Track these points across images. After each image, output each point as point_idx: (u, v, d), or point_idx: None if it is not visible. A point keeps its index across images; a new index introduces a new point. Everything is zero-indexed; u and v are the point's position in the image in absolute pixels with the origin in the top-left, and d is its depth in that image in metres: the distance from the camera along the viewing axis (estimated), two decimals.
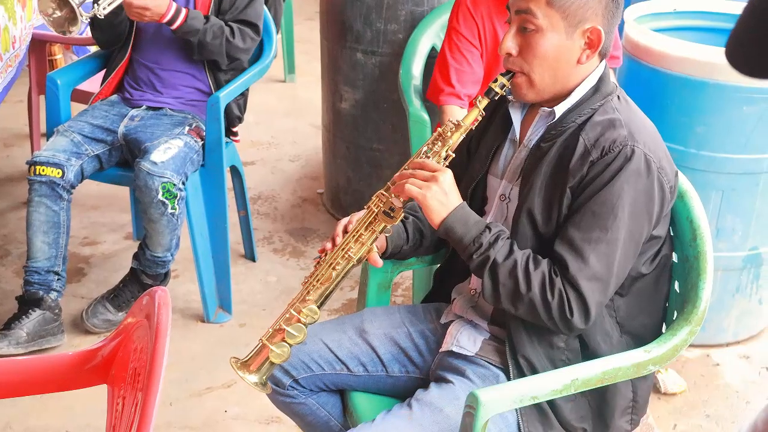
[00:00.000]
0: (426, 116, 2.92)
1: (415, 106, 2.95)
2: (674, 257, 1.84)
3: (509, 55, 1.74)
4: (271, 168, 4.21)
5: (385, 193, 1.76)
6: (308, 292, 1.76)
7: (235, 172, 3.26)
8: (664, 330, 1.83)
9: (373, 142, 3.51)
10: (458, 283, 2.00)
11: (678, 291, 1.82)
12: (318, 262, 1.81)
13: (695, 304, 1.75)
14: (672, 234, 1.84)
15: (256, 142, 4.37)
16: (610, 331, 1.76)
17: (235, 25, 2.95)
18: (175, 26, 2.86)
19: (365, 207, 1.79)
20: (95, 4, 2.65)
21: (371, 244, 1.76)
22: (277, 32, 4.69)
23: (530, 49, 1.72)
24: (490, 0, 2.82)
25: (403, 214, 1.75)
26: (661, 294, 1.83)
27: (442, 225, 1.70)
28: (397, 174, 1.76)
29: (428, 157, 1.77)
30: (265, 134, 4.49)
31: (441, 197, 1.69)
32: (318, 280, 1.77)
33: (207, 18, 2.91)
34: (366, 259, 1.79)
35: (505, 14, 2.77)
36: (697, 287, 1.76)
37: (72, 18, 2.63)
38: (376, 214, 1.75)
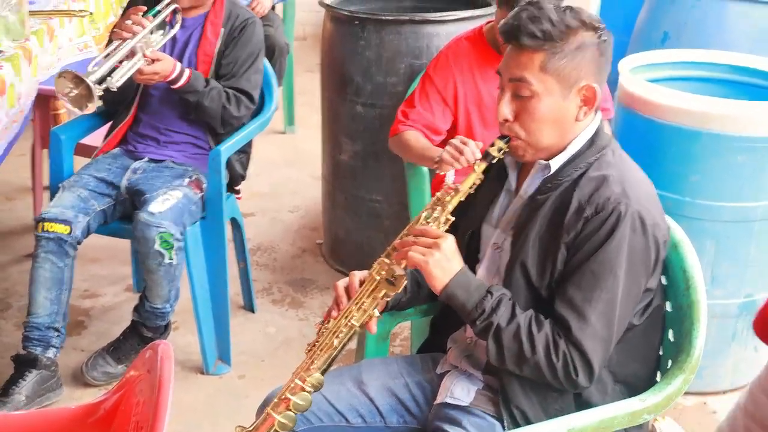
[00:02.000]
0: (424, 168, 2.96)
1: None
2: (668, 306, 1.86)
3: (506, 120, 1.77)
4: (270, 219, 4.24)
5: (386, 260, 1.79)
6: (312, 360, 1.78)
7: (235, 224, 3.29)
8: (658, 378, 1.84)
9: (372, 193, 3.55)
10: (453, 332, 2.02)
11: (672, 339, 1.84)
12: (320, 329, 1.83)
13: (689, 352, 1.76)
14: (666, 283, 1.86)
15: (256, 193, 4.41)
16: (604, 380, 1.78)
17: (231, 92, 2.99)
18: (177, 85, 2.91)
19: (368, 273, 1.82)
20: (108, 77, 2.70)
21: (373, 311, 1.78)
22: (279, 85, 4.78)
23: (528, 115, 1.75)
24: (473, 55, 2.88)
25: (405, 283, 1.76)
26: (652, 342, 1.85)
27: (444, 291, 1.73)
28: (398, 240, 1.79)
29: (428, 223, 1.80)
30: (265, 185, 4.53)
31: (443, 264, 1.72)
32: (321, 348, 1.79)
33: (207, 81, 2.96)
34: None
35: (487, 69, 2.85)
36: (690, 336, 1.77)
37: (88, 95, 2.67)
38: (379, 282, 1.77)
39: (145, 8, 2.93)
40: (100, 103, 2.75)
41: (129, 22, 2.82)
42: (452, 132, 2.92)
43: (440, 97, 2.90)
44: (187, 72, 2.92)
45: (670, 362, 1.82)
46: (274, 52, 4.67)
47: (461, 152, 2.46)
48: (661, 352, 1.87)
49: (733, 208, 2.77)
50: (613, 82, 3.02)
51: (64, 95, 2.71)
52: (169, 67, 2.87)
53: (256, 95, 3.10)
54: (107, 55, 2.76)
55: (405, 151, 2.91)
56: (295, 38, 5.66)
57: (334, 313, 1.85)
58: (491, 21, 2.97)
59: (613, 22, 4.35)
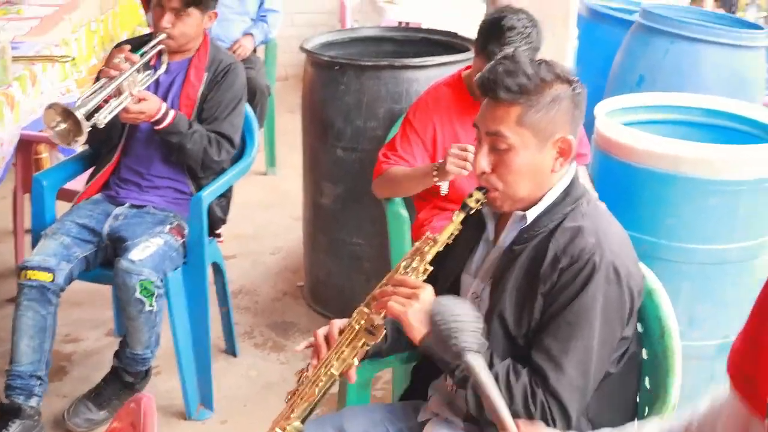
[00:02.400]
0: (405, 212, 2.98)
1: (395, 202, 3.02)
2: (644, 353, 1.88)
3: (484, 172, 1.81)
4: (252, 261, 4.25)
5: (365, 309, 1.81)
6: (292, 409, 1.81)
7: (217, 268, 3.31)
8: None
9: (353, 236, 3.57)
10: (434, 380, 2.03)
11: (648, 387, 1.86)
12: (301, 377, 1.85)
13: (665, 400, 1.79)
14: (641, 330, 1.89)
15: (238, 235, 4.42)
16: (582, 428, 1.79)
17: (213, 136, 3.02)
18: (161, 126, 2.93)
19: (348, 323, 1.84)
20: (95, 114, 2.72)
21: (352, 360, 1.80)
22: (260, 127, 4.81)
23: (504, 167, 1.78)
24: (452, 100, 2.92)
25: (384, 332, 1.79)
26: (629, 390, 1.87)
27: (423, 342, 1.75)
28: (378, 290, 1.82)
29: (407, 273, 1.82)
30: (247, 227, 4.55)
31: (421, 315, 1.74)
32: (301, 396, 1.81)
33: (191, 124, 2.99)
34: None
35: (465, 115, 2.90)
36: (666, 384, 1.80)
37: (76, 129, 2.68)
38: (358, 331, 1.80)
39: (129, 46, 2.97)
40: (84, 138, 2.74)
41: (117, 60, 2.85)
42: None
43: (420, 140, 2.94)
44: (171, 113, 2.94)
45: (646, 409, 1.84)
46: (255, 94, 4.70)
47: (465, 158, 2.54)
48: (638, 399, 1.89)
49: (707, 250, 2.80)
50: (589, 125, 3.07)
51: (51, 128, 2.72)
52: (154, 106, 2.90)
53: (237, 140, 3.13)
54: (94, 92, 2.78)
55: (394, 183, 2.91)
56: (277, 79, 5.71)
57: (314, 362, 1.87)
58: (470, 66, 3.02)
59: (589, 65, 4.47)
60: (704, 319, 2.86)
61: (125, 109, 2.84)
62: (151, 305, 2.82)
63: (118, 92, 2.83)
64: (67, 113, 2.69)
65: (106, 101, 2.79)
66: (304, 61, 3.67)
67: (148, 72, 3.02)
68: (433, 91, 3.01)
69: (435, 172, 2.69)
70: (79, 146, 2.84)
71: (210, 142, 3.01)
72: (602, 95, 3.91)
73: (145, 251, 2.85)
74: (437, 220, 2.95)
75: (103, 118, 2.74)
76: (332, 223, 3.62)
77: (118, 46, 3.10)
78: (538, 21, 2.76)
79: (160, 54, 3.06)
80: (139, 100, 2.87)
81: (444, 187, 2.82)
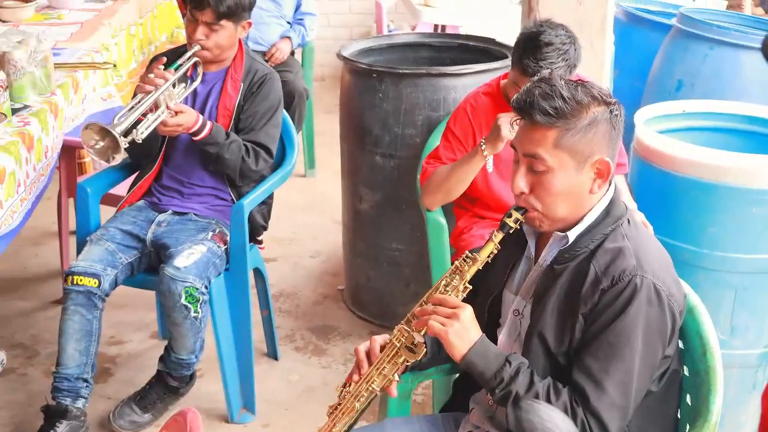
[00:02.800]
0: (443, 220, 3.01)
1: (433, 209, 3.04)
2: (685, 370, 1.89)
3: (522, 193, 1.83)
4: (292, 264, 4.30)
5: (406, 326, 1.84)
6: (334, 423, 1.85)
7: (258, 273, 3.35)
8: None
9: (392, 242, 3.60)
10: (476, 392, 2.06)
11: (690, 404, 1.87)
12: (342, 392, 1.89)
13: (707, 418, 1.80)
14: (682, 347, 1.90)
15: (278, 238, 4.47)
16: None
17: (250, 145, 3.06)
18: (199, 137, 2.98)
19: (389, 338, 1.88)
20: (133, 129, 2.77)
21: (393, 376, 1.84)
22: (298, 131, 4.85)
23: (542, 188, 1.80)
24: (490, 109, 2.94)
25: (425, 350, 1.82)
26: (670, 407, 1.89)
27: (464, 360, 1.78)
28: (418, 308, 1.84)
29: (447, 291, 1.85)
30: (287, 230, 4.59)
31: (462, 333, 1.77)
32: (342, 411, 1.85)
33: (228, 134, 3.04)
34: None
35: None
36: (708, 401, 1.81)
37: (114, 147, 2.72)
38: (399, 348, 1.83)
39: (165, 59, 3.01)
40: (125, 154, 2.80)
41: (152, 75, 2.90)
42: (473, 182, 2.97)
43: (462, 147, 2.96)
44: (208, 124, 2.99)
45: (687, 426, 1.86)
46: (293, 98, 4.75)
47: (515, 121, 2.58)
48: (679, 416, 1.91)
49: (750, 259, 2.80)
50: (627, 131, 3.07)
51: (90, 147, 2.77)
52: (192, 119, 2.95)
53: (274, 149, 3.17)
54: (131, 108, 2.82)
55: (443, 180, 2.93)
56: (314, 79, 5.74)
57: (356, 377, 1.90)
58: (508, 74, 3.03)
59: (627, 69, 4.46)
60: (746, 328, 2.86)
61: (163, 123, 2.89)
62: (196, 311, 2.87)
63: (155, 106, 2.88)
64: (104, 132, 2.73)
65: (143, 115, 2.84)
66: (342, 67, 3.70)
67: (184, 84, 3.06)
68: (471, 100, 3.03)
69: (483, 146, 2.72)
70: (119, 161, 2.89)
71: (247, 151, 3.06)
72: (640, 99, 3.91)
73: (190, 258, 2.90)
74: (477, 228, 2.97)
75: (140, 134, 2.78)
76: (371, 228, 3.65)
77: (155, 59, 3.14)
78: (576, 38, 2.74)
79: (195, 66, 3.10)
80: (176, 113, 2.91)
81: (489, 164, 2.83)
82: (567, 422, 1.70)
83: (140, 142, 2.78)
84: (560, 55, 2.68)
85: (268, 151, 3.11)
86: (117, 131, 2.70)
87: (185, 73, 3.07)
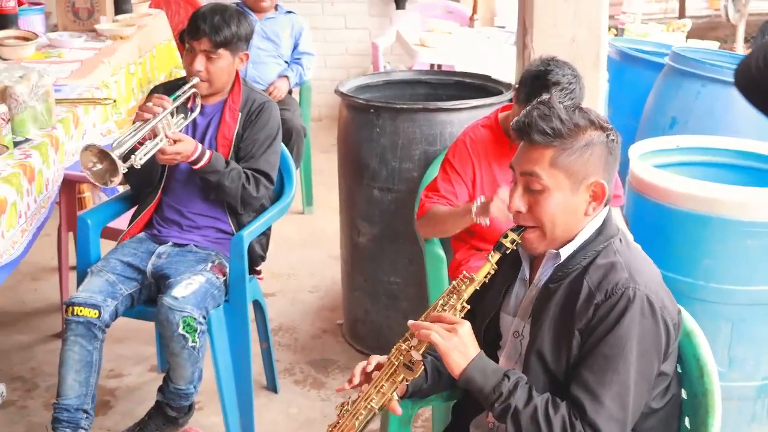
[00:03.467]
0: (442, 252, 3.04)
1: (432, 242, 3.07)
2: (683, 394, 1.91)
3: (519, 212, 1.87)
4: (291, 299, 4.32)
5: (404, 345, 1.87)
6: None
7: (258, 306, 3.37)
8: None
9: (390, 275, 3.62)
10: (475, 416, 2.07)
11: (689, 427, 1.89)
12: (341, 411, 1.91)
13: None
14: (680, 371, 1.92)
15: (276, 273, 4.49)
16: None
17: (250, 173, 3.10)
18: (198, 166, 3.01)
19: (387, 358, 1.90)
20: (132, 155, 2.80)
21: (391, 394, 1.86)
22: (297, 168, 4.89)
23: (539, 208, 1.85)
24: (489, 142, 2.98)
25: (422, 367, 1.84)
26: (671, 429, 1.90)
27: (463, 376, 1.80)
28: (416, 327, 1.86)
29: (444, 311, 1.88)
30: (285, 266, 4.62)
31: (461, 348, 1.80)
32: (342, 430, 1.87)
33: (227, 162, 3.07)
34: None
35: (502, 157, 2.96)
36: (706, 423, 1.83)
37: (112, 170, 2.75)
38: (397, 367, 1.86)
39: (164, 89, 3.06)
40: (120, 179, 2.80)
41: (150, 104, 2.94)
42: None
43: (461, 178, 3.00)
44: (208, 153, 3.02)
45: None
46: (291, 135, 4.79)
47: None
48: None
49: (746, 291, 2.83)
50: (623, 166, 3.12)
51: (87, 169, 2.79)
52: (190, 147, 2.98)
53: (274, 176, 3.20)
54: (130, 134, 2.85)
55: (437, 222, 2.96)
56: (312, 119, 5.79)
57: (354, 396, 1.92)
58: (505, 108, 3.08)
59: (621, 107, 4.52)
60: (744, 359, 2.88)
61: (161, 151, 2.92)
62: (194, 341, 2.88)
63: (153, 134, 2.91)
64: (103, 154, 2.76)
65: (141, 143, 2.87)
66: (339, 103, 3.75)
67: (182, 115, 3.10)
68: (470, 133, 3.07)
69: (475, 210, 2.75)
70: (117, 185, 2.90)
71: (248, 179, 3.09)
72: (634, 137, 3.96)
73: (188, 288, 2.92)
74: (474, 261, 3.00)
75: (139, 160, 2.81)
76: (369, 262, 3.68)
77: (154, 90, 3.19)
78: (581, 76, 2.80)
79: (194, 97, 3.15)
80: (175, 142, 2.95)
81: (486, 221, 2.86)
82: None
83: (138, 167, 2.81)
84: (567, 95, 2.73)
85: (268, 177, 3.15)
86: (115, 154, 2.73)
87: (185, 104, 3.11)
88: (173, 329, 2.86)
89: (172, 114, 2.99)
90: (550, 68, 2.76)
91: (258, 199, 3.14)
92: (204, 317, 2.92)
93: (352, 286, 3.81)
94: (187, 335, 2.87)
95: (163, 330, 2.92)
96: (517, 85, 2.89)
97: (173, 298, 2.88)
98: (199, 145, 3.01)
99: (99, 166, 2.79)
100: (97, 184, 2.84)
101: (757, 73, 1.69)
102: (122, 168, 2.74)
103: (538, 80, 2.75)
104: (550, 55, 2.84)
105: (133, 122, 2.98)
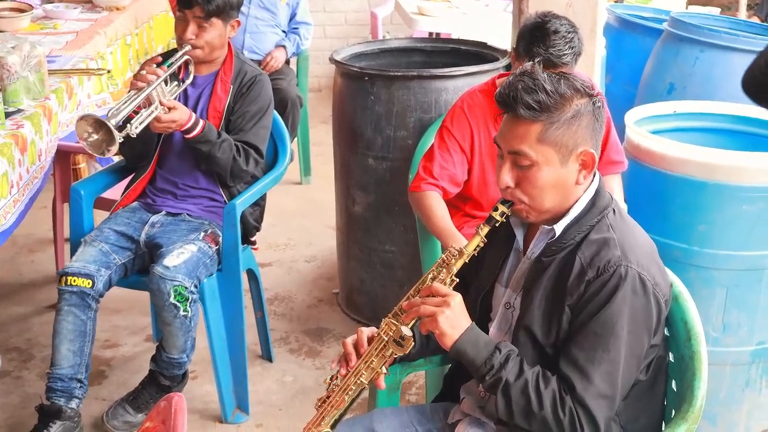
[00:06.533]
0: None
1: None
2: (671, 357, 1.90)
3: (507, 187, 1.82)
4: (287, 269, 4.31)
5: (394, 320, 1.85)
6: (322, 417, 1.87)
7: (252, 275, 3.36)
8: (663, 428, 1.88)
9: (386, 244, 3.61)
10: (466, 382, 2.06)
11: (675, 390, 1.88)
12: (330, 385, 1.90)
13: (691, 402, 1.81)
14: (668, 334, 1.91)
15: (273, 243, 4.49)
16: None
17: (240, 145, 3.08)
18: (191, 135, 2.99)
19: (377, 332, 1.90)
20: (127, 124, 2.79)
21: (381, 369, 1.85)
22: (293, 138, 4.87)
23: (528, 182, 1.79)
24: (487, 107, 2.94)
25: (413, 344, 1.82)
26: (658, 394, 1.89)
27: (454, 348, 1.78)
28: (405, 302, 1.85)
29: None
30: (282, 236, 4.61)
31: (453, 320, 1.77)
32: (331, 404, 1.86)
33: (219, 133, 3.06)
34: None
35: (500, 123, 2.92)
36: (692, 386, 1.82)
37: (109, 139, 2.74)
38: (387, 342, 1.84)
39: (160, 59, 3.04)
40: (116, 148, 2.78)
41: (144, 72, 2.93)
42: (468, 182, 2.98)
43: (459, 146, 2.95)
44: (201, 122, 3.01)
45: (673, 412, 1.86)
46: (287, 105, 4.77)
47: None
48: (665, 402, 1.91)
49: (741, 256, 2.81)
50: (621, 132, 3.10)
51: (83, 139, 2.78)
52: (185, 115, 2.96)
53: (264, 149, 3.18)
54: (125, 102, 2.83)
55: (422, 214, 2.92)
56: (310, 90, 5.76)
57: (343, 371, 1.91)
58: (503, 75, 3.04)
59: (619, 74, 4.48)
60: (738, 325, 2.87)
61: (157, 119, 2.91)
62: (185, 310, 2.88)
63: (147, 102, 2.90)
64: (99, 124, 2.75)
65: (136, 112, 2.86)
66: (334, 71, 3.72)
67: (176, 83, 3.09)
68: (467, 98, 3.03)
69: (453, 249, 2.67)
70: (113, 155, 2.89)
71: (238, 151, 3.07)
72: (632, 104, 3.93)
73: (179, 257, 2.92)
74: (467, 228, 2.98)
75: (134, 128, 2.80)
76: (364, 231, 3.67)
77: (148, 60, 3.17)
78: (578, 28, 2.76)
79: (187, 65, 3.13)
80: (169, 110, 2.93)
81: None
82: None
83: (134, 136, 2.80)
84: (567, 43, 2.69)
85: (258, 151, 3.13)
86: (111, 123, 2.71)
87: (177, 73, 3.09)
88: (165, 298, 2.86)
89: (165, 82, 2.97)
90: (548, 19, 2.73)
91: (247, 172, 3.13)
92: (196, 286, 2.92)
93: (347, 255, 3.80)
94: (179, 304, 2.87)
95: (155, 299, 2.92)
96: (514, 44, 2.86)
97: (164, 267, 2.87)
98: (193, 114, 3.00)
99: (95, 136, 2.78)
100: (93, 154, 2.83)
101: (761, 76, 1.86)
102: (118, 137, 2.73)
103: (537, 30, 2.71)
104: (546, 10, 2.81)
105: (129, 91, 2.97)
